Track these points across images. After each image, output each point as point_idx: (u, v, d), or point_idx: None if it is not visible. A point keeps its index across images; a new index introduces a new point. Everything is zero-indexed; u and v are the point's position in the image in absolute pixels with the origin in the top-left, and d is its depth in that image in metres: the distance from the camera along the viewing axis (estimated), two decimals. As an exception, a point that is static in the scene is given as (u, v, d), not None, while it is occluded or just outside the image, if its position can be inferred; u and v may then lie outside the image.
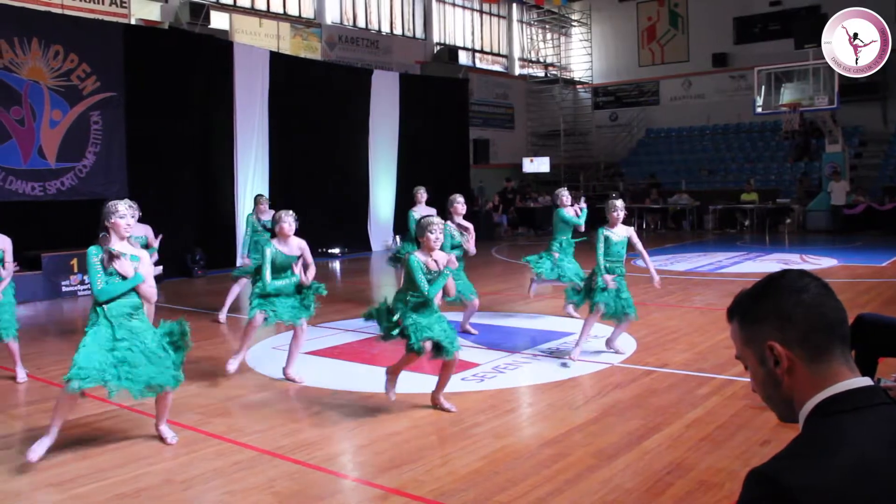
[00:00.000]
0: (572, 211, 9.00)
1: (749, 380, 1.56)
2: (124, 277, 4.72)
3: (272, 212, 10.38)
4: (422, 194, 9.66)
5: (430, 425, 5.22)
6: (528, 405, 5.77)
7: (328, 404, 5.82)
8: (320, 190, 16.90)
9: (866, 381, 1.42)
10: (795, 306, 1.44)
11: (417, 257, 5.35)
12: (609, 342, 7.20)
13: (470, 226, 8.24)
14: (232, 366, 6.42)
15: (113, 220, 4.87)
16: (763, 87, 20.98)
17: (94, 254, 4.75)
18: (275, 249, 6.34)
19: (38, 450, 4.52)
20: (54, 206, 12.61)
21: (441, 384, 5.56)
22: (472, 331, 8.33)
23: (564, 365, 6.66)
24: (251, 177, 15.64)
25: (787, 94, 20.77)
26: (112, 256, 4.72)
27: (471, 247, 8.18)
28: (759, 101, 21.04)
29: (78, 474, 4.43)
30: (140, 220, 7.51)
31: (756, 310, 1.49)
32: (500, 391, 6.02)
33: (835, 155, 20.71)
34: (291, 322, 6.50)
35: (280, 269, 6.40)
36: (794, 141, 23.56)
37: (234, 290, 9.56)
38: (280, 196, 15.42)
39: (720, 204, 22.12)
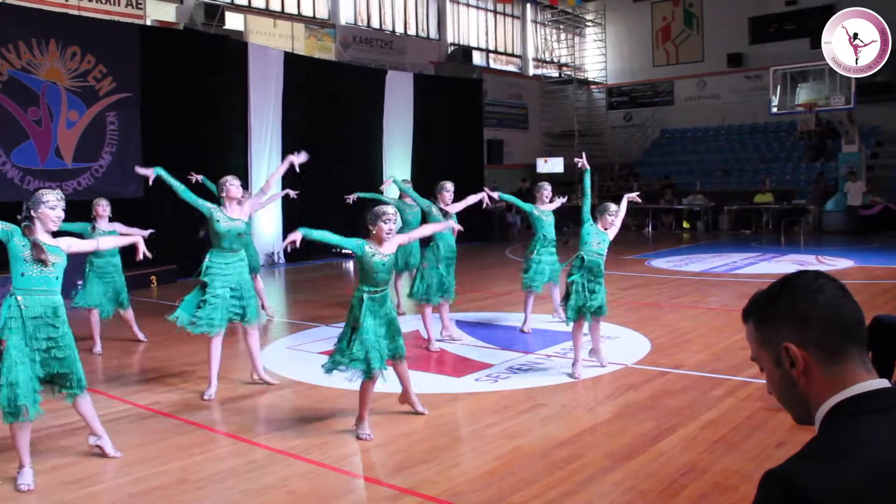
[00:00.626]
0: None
1: (764, 381, 1.55)
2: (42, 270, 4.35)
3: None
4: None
5: (443, 426, 5.22)
6: (542, 406, 5.76)
7: (341, 404, 5.82)
8: (334, 190, 16.84)
9: (883, 383, 1.41)
10: (811, 307, 1.43)
11: (366, 247, 5.10)
12: (592, 352, 6.69)
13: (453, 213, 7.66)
14: (209, 393, 6.04)
15: (41, 210, 4.43)
16: (779, 87, 20.86)
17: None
18: (219, 213, 6.08)
19: (27, 480, 4.23)
20: (68, 205, 12.65)
21: (404, 384, 5.36)
22: (456, 336, 7.95)
23: (571, 377, 6.43)
24: (265, 176, 15.65)
25: (803, 94, 20.64)
26: (38, 248, 4.33)
27: (482, 197, 7.97)
28: (775, 101, 20.93)
29: (92, 472, 4.46)
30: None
31: (772, 311, 1.48)
32: (513, 392, 6.01)
33: (851, 155, 20.56)
34: (247, 323, 6.13)
35: (226, 240, 6.07)
36: (810, 141, 23.39)
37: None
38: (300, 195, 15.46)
39: (735, 204, 22.01)
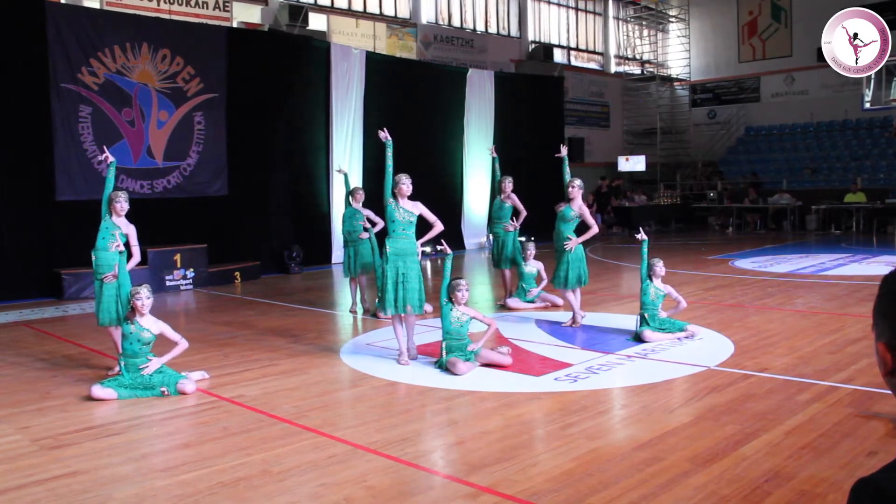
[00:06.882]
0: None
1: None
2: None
3: None
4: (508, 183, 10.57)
5: (522, 425, 5.21)
6: (622, 407, 5.70)
7: (421, 401, 5.88)
8: (415, 188, 17.03)
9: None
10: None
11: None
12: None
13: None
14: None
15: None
16: (872, 81, 20.08)
17: None
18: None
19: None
20: (158, 203, 13.13)
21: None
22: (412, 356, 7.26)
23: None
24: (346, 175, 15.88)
25: (900, 89, 19.82)
26: None
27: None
28: (868, 95, 20.16)
29: (183, 461, 4.61)
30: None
31: (876, 305, 1.43)
32: (593, 392, 5.96)
33: (950, 153, 19.66)
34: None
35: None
36: (907, 138, 22.45)
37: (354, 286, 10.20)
38: (374, 194, 15.66)
39: (823, 204, 21.30)
